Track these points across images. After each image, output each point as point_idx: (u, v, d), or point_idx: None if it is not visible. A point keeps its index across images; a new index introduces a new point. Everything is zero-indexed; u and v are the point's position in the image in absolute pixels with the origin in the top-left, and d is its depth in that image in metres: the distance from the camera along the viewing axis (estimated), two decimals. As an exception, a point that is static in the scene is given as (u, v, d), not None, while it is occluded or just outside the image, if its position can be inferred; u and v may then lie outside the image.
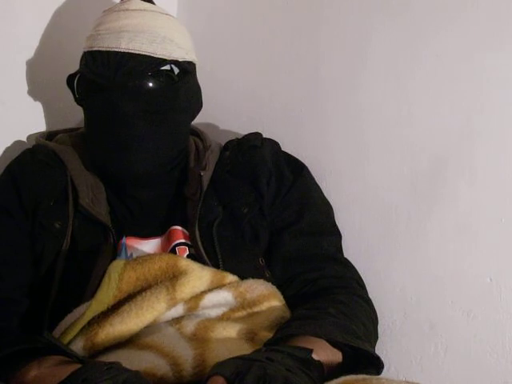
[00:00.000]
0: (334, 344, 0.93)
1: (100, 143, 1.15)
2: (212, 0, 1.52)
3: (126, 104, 1.10)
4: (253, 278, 1.08)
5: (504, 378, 1.09)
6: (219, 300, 1.03)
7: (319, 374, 0.87)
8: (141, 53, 1.11)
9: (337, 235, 1.21)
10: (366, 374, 0.85)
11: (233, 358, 0.82)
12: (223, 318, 1.03)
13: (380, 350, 1.13)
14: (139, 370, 0.86)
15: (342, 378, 0.82)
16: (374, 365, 0.95)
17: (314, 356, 0.87)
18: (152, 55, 1.11)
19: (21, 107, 1.36)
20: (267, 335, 0.98)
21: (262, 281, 1.08)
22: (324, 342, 0.93)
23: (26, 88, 1.36)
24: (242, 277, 1.08)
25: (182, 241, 1.14)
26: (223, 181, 1.19)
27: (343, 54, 1.28)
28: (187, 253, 1.13)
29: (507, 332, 1.09)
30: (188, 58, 1.17)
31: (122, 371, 0.80)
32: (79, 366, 0.84)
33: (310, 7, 1.33)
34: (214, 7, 1.51)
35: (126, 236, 1.13)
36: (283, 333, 0.93)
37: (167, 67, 1.13)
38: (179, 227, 1.15)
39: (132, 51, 1.10)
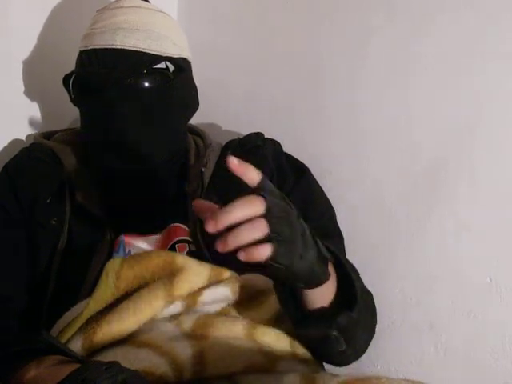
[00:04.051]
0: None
1: (96, 143, 1.14)
2: (212, 1, 1.53)
3: (122, 103, 1.10)
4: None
5: (504, 378, 1.09)
6: (217, 296, 1.02)
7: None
8: (136, 49, 1.11)
9: (340, 237, 1.21)
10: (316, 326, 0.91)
11: None
12: (222, 313, 1.02)
13: (380, 349, 1.12)
14: (138, 369, 0.85)
15: (342, 378, 0.82)
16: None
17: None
18: (147, 51, 1.11)
19: (19, 107, 1.36)
20: (267, 330, 0.98)
21: (260, 275, 1.08)
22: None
23: (24, 88, 1.36)
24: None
25: (182, 238, 1.13)
26: (224, 179, 1.17)
27: (343, 54, 1.28)
28: (187, 249, 1.12)
29: (507, 332, 1.09)
30: (183, 55, 1.17)
31: (121, 371, 0.79)
32: (78, 365, 0.83)
33: (310, 8, 1.33)
34: (214, 8, 1.52)
35: (125, 233, 1.13)
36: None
37: (162, 65, 1.13)
38: (180, 224, 1.14)
39: (127, 48, 1.10)
